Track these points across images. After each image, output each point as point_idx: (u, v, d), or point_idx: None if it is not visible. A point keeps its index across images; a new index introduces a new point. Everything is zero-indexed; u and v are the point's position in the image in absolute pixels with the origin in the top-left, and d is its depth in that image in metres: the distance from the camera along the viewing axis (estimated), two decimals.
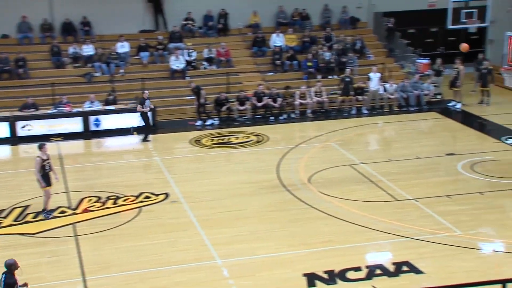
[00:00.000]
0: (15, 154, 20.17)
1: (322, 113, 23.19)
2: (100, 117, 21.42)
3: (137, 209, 15.30)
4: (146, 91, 21.33)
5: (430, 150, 19.08)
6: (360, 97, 23.43)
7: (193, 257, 12.87)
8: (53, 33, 25.17)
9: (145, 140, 20.52)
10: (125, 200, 15.77)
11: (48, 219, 14.66)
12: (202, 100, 22.17)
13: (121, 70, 24.31)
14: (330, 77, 24.88)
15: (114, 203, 15.64)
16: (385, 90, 23.57)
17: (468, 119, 22.44)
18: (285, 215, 14.90)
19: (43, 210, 14.83)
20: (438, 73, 24.73)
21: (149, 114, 20.96)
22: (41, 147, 14.77)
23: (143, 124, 20.82)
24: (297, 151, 19.39)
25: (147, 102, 20.84)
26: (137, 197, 15.95)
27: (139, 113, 20.76)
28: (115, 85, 23.52)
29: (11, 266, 9.60)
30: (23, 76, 23.53)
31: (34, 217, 14.80)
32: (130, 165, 18.72)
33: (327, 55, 25.25)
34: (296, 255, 12.94)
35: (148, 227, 14.36)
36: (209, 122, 22.16)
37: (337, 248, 13.14)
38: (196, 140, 20.67)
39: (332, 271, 12.13)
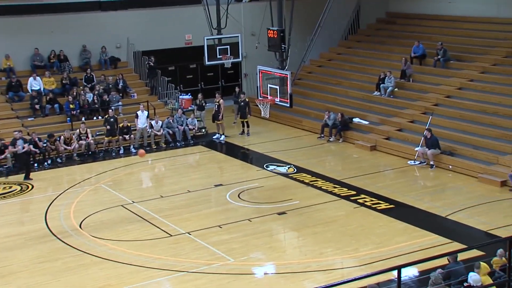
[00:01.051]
0: None
1: (89, 155, 22.67)
2: None
3: None
4: (17, 132, 21.13)
5: (199, 183, 19.60)
6: (126, 136, 23.35)
7: None
8: None
9: (27, 178, 20.20)
10: None
11: None
12: None
13: None
14: (95, 118, 24.48)
15: None
16: (151, 127, 23.78)
17: (232, 150, 23.52)
18: (57, 264, 14.25)
19: None
20: (200, 108, 25.63)
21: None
22: None
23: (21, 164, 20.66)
24: (65, 197, 18.69)
25: (20, 141, 20.24)
26: None
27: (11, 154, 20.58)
28: None
29: None
30: None
31: None
32: None
33: (90, 96, 24.84)
34: None
35: None
36: None
37: None
38: None
39: None
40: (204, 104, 25.74)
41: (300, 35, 22.87)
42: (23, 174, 20.52)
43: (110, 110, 23.67)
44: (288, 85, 18.21)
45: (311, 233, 15.65)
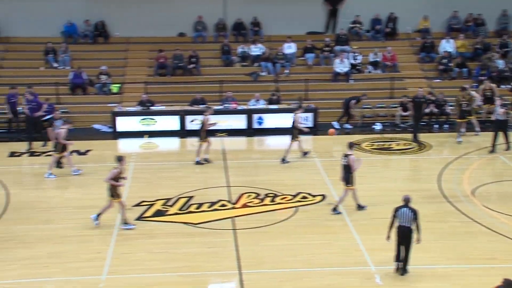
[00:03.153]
0: (183, 147, 21.24)
1: (490, 123, 21.91)
2: (264, 115, 21.93)
3: (294, 208, 15.49)
4: (421, 90, 20.97)
5: None
6: None
7: (346, 261, 12.78)
8: (226, 32, 26.20)
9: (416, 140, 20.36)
10: (282, 199, 16.02)
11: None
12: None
13: (286, 71, 24.74)
14: (502, 86, 23.55)
15: (272, 200, 15.94)
16: None
17: None
18: (444, 226, 14.35)
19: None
20: None
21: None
22: (120, 160, 14.02)
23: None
24: (461, 162, 18.59)
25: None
26: (294, 196, 16.14)
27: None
28: (279, 85, 23.97)
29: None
30: (195, 72, 24.70)
31: (197, 208, 15.48)
32: (289, 165, 18.94)
33: (501, 63, 23.93)
34: (454, 269, 12.43)
35: (303, 227, 14.48)
36: (346, 125, 22.30)
37: (502, 267, 12.39)
38: (356, 144, 20.50)
39: None
40: None
41: None
42: (411, 134, 20.93)
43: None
44: None
45: None
